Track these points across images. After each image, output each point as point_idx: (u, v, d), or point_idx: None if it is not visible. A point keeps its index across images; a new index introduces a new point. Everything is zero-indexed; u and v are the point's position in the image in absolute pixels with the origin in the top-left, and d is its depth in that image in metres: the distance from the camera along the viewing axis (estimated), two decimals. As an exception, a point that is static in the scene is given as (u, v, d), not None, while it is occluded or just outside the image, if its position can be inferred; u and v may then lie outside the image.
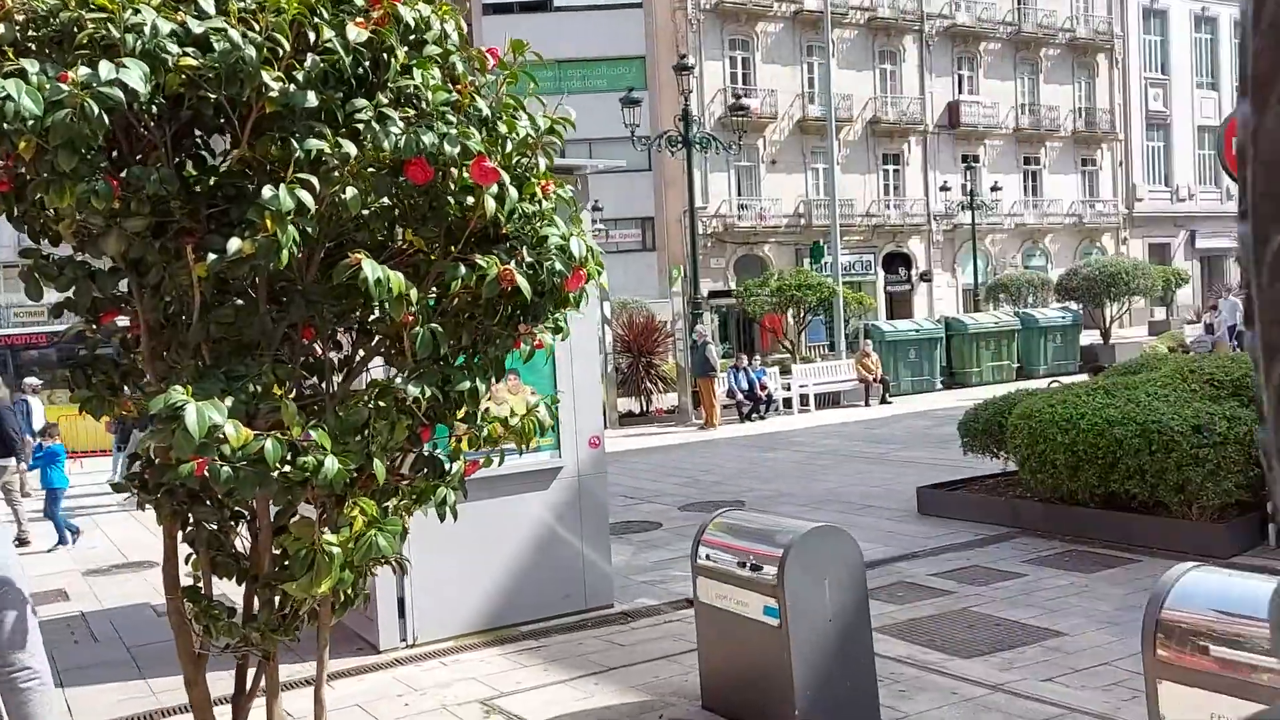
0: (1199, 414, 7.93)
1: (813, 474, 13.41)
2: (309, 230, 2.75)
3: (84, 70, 2.49)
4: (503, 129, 3.00)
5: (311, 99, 2.72)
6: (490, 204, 2.86)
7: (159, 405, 2.48)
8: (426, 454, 3.21)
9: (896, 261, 40.62)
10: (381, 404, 2.97)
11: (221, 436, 2.56)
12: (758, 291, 23.29)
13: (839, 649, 4.89)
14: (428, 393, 2.91)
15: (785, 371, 22.36)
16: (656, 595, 7.78)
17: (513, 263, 2.92)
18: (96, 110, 2.48)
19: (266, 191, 2.62)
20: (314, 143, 2.73)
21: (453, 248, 3.16)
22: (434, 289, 3.11)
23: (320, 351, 3.31)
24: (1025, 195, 43.12)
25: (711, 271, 33.69)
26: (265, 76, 2.68)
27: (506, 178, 2.91)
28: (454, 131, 2.84)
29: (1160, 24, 45.81)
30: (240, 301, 3.11)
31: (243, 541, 3.36)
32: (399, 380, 2.94)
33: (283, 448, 2.68)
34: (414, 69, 2.92)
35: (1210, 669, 3.12)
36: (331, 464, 2.73)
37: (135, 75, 2.52)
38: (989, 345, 24.43)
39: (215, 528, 3.24)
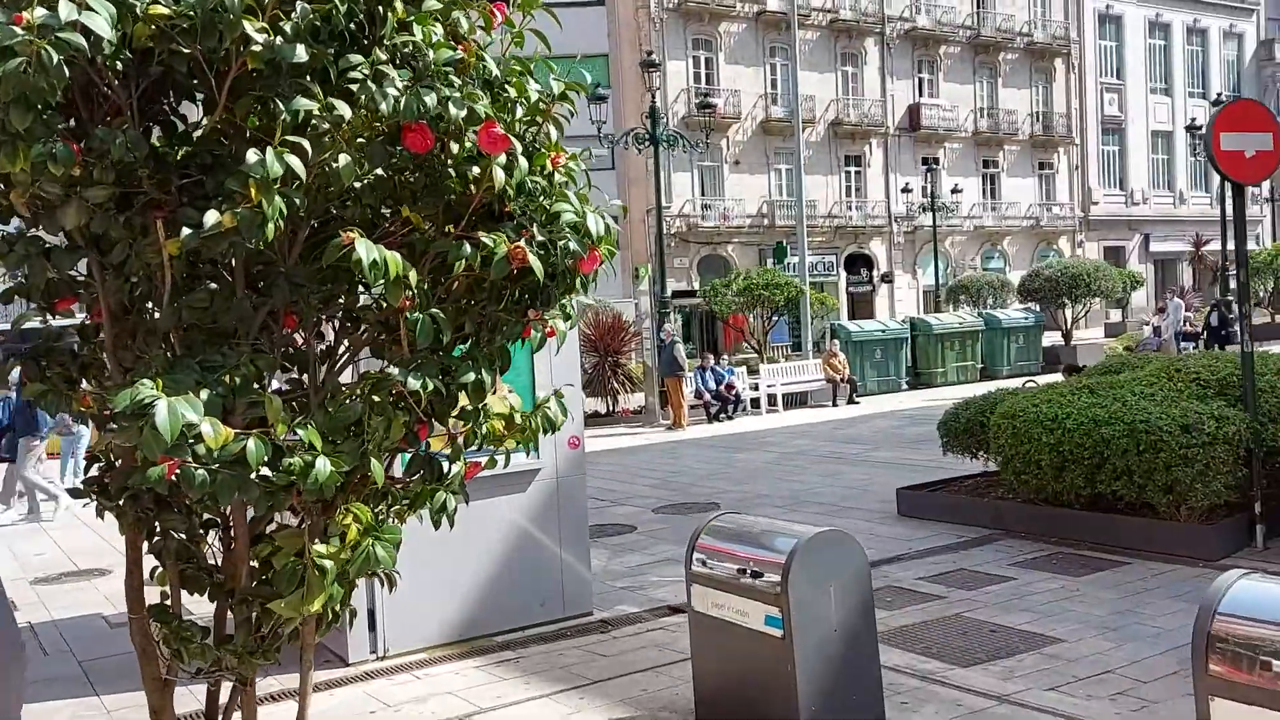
0: (1187, 413, 7.81)
1: (786, 475, 13.21)
2: (296, 202, 2.44)
3: (41, 11, 2.16)
4: (511, 93, 2.70)
5: (301, 53, 2.40)
6: (499, 175, 2.57)
7: (125, 400, 2.16)
8: (424, 454, 2.91)
9: (858, 262, 40.75)
10: (376, 399, 2.66)
11: (197, 436, 2.24)
12: (724, 291, 23.11)
13: (844, 660, 4.64)
14: (430, 386, 2.61)
15: (752, 371, 22.20)
16: (636, 602, 7.50)
17: (522, 241, 2.63)
18: (55, 59, 2.15)
19: (251, 156, 2.30)
20: (303, 102, 2.41)
21: (451, 226, 2.87)
22: (431, 272, 2.80)
23: (303, 341, 2.98)
24: (984, 198, 43.49)
25: (675, 271, 33.49)
26: (248, 27, 2.36)
27: (518, 146, 2.62)
28: (459, 94, 2.54)
29: (1115, 29, 46.44)
30: (214, 285, 2.78)
31: (215, 552, 3.03)
32: (394, 372, 2.63)
33: (267, 448, 2.37)
34: (413, 24, 2.61)
35: (1273, 686, 2.90)
36: (323, 466, 2.41)
37: (101, 20, 2.20)
38: (954, 346, 24.48)
39: (185, 537, 2.91)
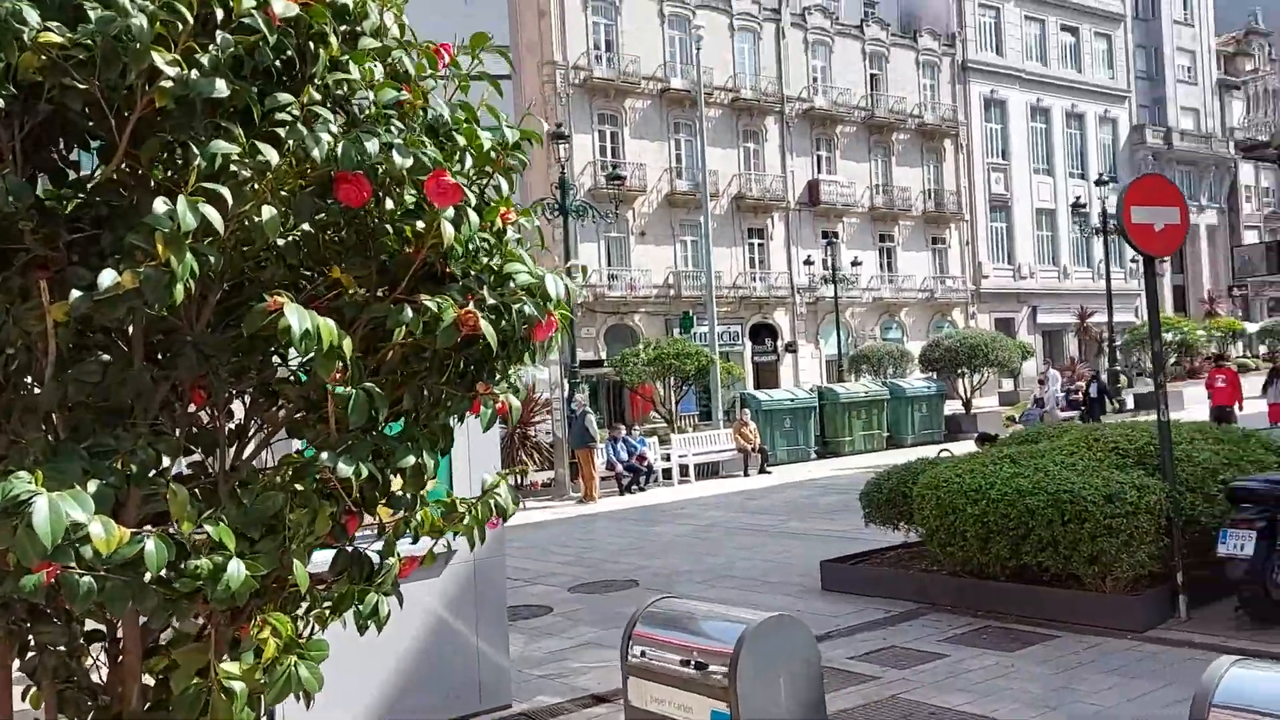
0: (1109, 483, 7.83)
1: (704, 548, 12.92)
2: (211, 261, 2.10)
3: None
4: (460, 140, 2.42)
5: (220, 88, 2.08)
6: (448, 230, 2.27)
7: None
8: (351, 549, 2.54)
9: (763, 332, 41.25)
10: (299, 487, 2.30)
11: (84, 537, 1.85)
12: (634, 360, 22.95)
13: (797, 756, 4.33)
14: (364, 471, 2.26)
15: (663, 442, 21.97)
16: (558, 691, 7.06)
17: (471, 305, 2.33)
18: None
19: (159, 205, 1.95)
20: (222, 145, 2.08)
21: (384, 289, 2.55)
22: (363, 340, 2.47)
23: (210, 420, 2.60)
24: (881, 270, 44.68)
25: (582, 341, 33.28)
26: (157, 59, 2.04)
27: (472, 198, 2.33)
28: (401, 140, 2.25)
29: (1000, 113, 48.75)
30: (107, 356, 2.39)
31: (100, 668, 2.58)
32: (323, 456, 2.27)
33: (169, 549, 1.99)
34: (349, 63, 2.32)
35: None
36: (236, 569, 2.04)
37: (-24, 45, 1.86)
38: (860, 414, 24.73)
39: (64, 651, 2.47)
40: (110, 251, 2.21)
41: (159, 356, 2.49)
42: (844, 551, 10.63)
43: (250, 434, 2.82)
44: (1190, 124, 56.08)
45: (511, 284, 2.49)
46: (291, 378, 2.71)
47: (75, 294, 2.06)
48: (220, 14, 2.21)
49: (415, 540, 2.61)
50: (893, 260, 45.15)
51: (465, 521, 2.58)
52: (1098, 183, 35.48)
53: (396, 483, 2.57)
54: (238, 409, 2.87)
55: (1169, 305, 52.47)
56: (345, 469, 2.24)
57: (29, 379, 2.39)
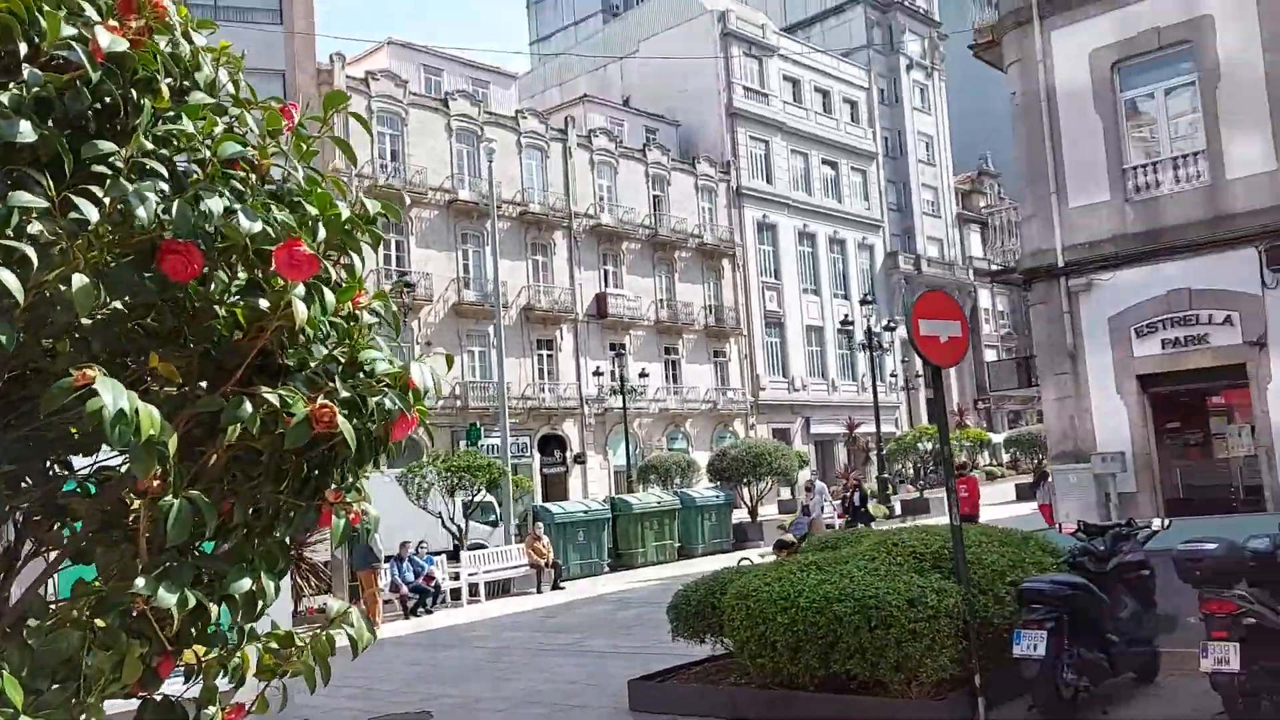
0: (910, 587, 8.01)
1: (502, 673, 12.27)
2: (2, 340, 1.67)
3: None
4: (310, 209, 2.10)
5: (25, 131, 1.70)
6: (300, 310, 1.94)
7: None
8: (159, 697, 2.06)
9: (551, 443, 41.02)
10: (100, 623, 1.84)
11: None
12: (422, 473, 22.07)
13: None
14: (190, 602, 1.84)
15: (452, 559, 21.07)
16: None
17: (320, 398, 1.98)
18: None
19: (-66, 265, 1.54)
20: (25, 198, 1.69)
21: (202, 384, 2.17)
22: (181, 441, 2.06)
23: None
24: (667, 382, 45.78)
25: (364, 454, 31.84)
26: (-63, 93, 1.64)
27: (332, 272, 2.01)
28: (247, 202, 1.92)
29: (772, 236, 51.87)
30: None
31: None
32: (139, 584, 1.82)
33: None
34: (181, 115, 1.98)
35: None
36: (23, 736, 1.57)
37: None
38: (652, 525, 24.76)
39: None
40: None
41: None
42: (649, 668, 10.35)
43: (22, 560, 2.31)
44: (936, 252, 61.69)
45: (362, 374, 2.17)
46: (79, 489, 2.25)
47: None
48: (24, 49, 1.83)
49: (238, 684, 2.16)
50: (678, 372, 46.41)
51: (304, 658, 2.17)
52: (861, 302, 38.06)
53: (213, 613, 2.14)
54: (7, 530, 2.35)
55: (924, 416, 56.53)
56: (168, 597, 1.81)
57: None
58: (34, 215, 1.72)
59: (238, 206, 1.91)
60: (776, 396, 50.10)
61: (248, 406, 1.95)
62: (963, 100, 66.62)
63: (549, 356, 41.42)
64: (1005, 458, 52.45)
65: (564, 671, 11.97)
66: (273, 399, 2.01)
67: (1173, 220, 14.94)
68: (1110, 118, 15.50)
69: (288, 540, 2.16)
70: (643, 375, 41.87)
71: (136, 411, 1.69)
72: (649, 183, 46.56)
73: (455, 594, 20.27)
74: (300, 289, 2.00)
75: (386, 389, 2.13)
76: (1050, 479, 17.17)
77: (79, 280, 1.74)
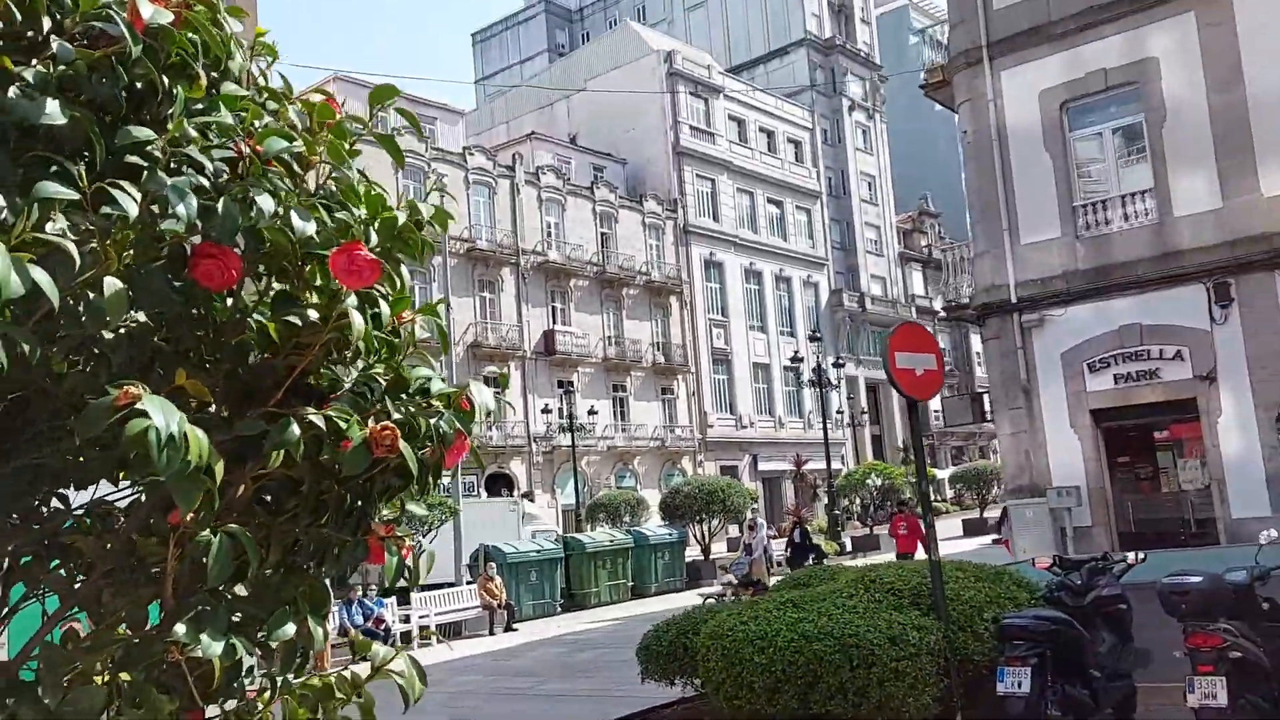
0: (891, 624, 7.87)
1: (461, 717, 11.86)
2: (25, 350, 1.44)
3: None
4: (360, 212, 1.90)
5: (55, 113, 1.49)
6: (358, 322, 1.73)
7: None
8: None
9: (499, 482, 40.44)
10: (127, 677, 1.60)
11: None
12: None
13: None
14: (237, 650, 1.60)
15: (403, 601, 20.51)
16: None
17: (372, 421, 1.77)
18: None
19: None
20: (51, 188, 1.46)
21: (225, 407, 1.95)
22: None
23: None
24: (615, 419, 45.54)
25: (308, 494, 31.09)
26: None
27: (399, 277, 1.81)
28: (294, 202, 1.71)
29: (719, 273, 52.15)
30: None
31: None
32: (179, 630, 1.58)
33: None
34: (219, 104, 1.78)
35: None
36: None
37: None
38: (605, 564, 24.41)
39: None
40: None
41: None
42: (609, 712, 10.08)
43: (10, 608, 2.04)
44: (879, 290, 62.58)
45: (405, 395, 1.96)
46: (89, 527, 2.01)
47: None
48: (47, 23, 1.62)
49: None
50: (626, 409, 46.21)
51: (340, 713, 1.93)
52: (809, 339, 38.27)
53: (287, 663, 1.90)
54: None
55: (869, 453, 56.98)
56: (213, 646, 1.57)
57: None
58: (59, 209, 1.49)
59: (290, 205, 1.70)
60: (724, 433, 50.11)
61: (295, 429, 1.73)
62: (903, 142, 68.12)
63: (496, 395, 40.95)
64: (949, 493, 52.97)
65: (525, 716, 11.60)
66: (318, 421, 1.79)
67: (1122, 257, 15.23)
68: (1060, 156, 15.81)
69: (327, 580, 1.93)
70: (591, 413, 41.60)
71: (185, 435, 1.47)
72: (596, 220, 46.61)
73: (406, 636, 19.69)
74: (353, 299, 1.80)
75: (442, 410, 1.92)
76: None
77: (112, 285, 1.52)
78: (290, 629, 1.76)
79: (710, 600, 11.11)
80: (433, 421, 1.87)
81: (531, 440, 41.55)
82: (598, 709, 10.58)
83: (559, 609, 23.18)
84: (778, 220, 56.56)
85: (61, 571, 2.05)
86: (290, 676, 1.86)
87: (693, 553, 29.13)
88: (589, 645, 16.91)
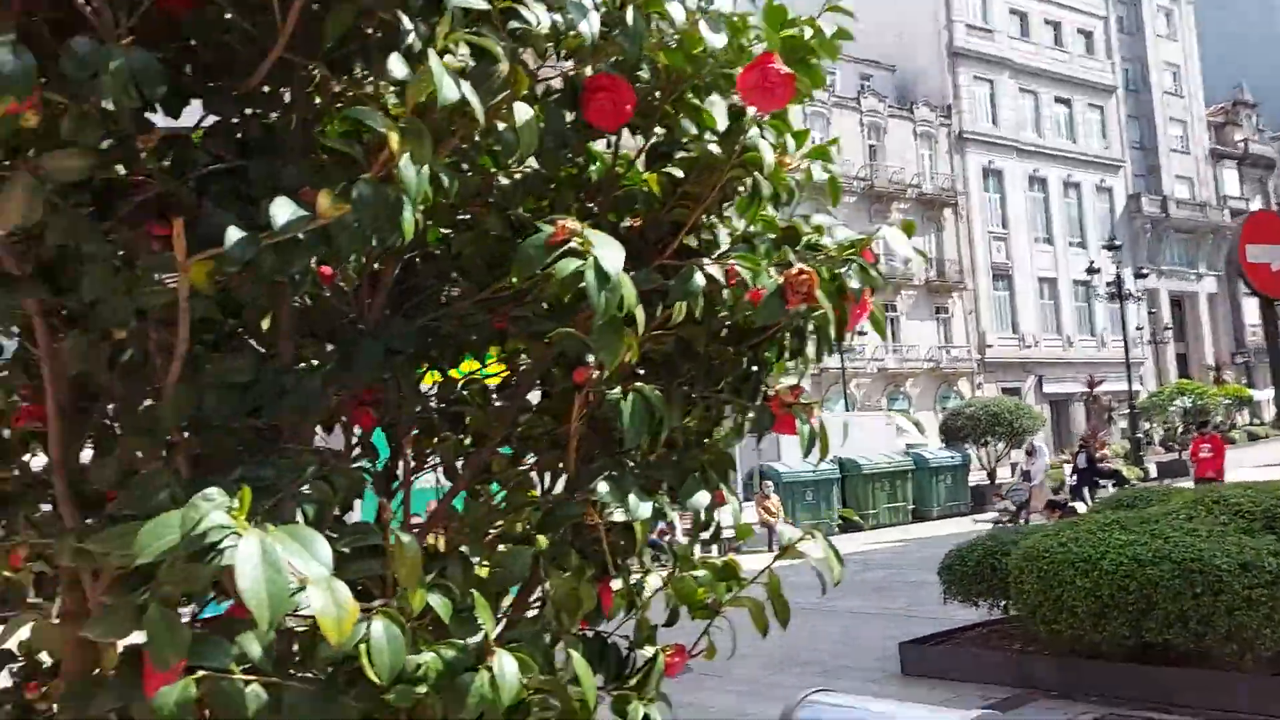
0: (1242, 548, 7.05)
1: (753, 630, 11.95)
2: (446, 183, 1.35)
3: None
4: (749, 25, 1.67)
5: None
6: (768, 153, 1.54)
7: (169, 532, 0.98)
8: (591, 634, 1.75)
9: (769, 405, 40.56)
10: (541, 539, 1.52)
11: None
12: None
13: None
14: (666, 514, 1.50)
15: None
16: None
17: (794, 267, 1.58)
18: None
19: (396, 65, 1.20)
20: None
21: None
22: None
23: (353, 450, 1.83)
24: (885, 340, 44.15)
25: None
26: None
27: (796, 108, 1.60)
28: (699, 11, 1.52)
29: (998, 182, 48.90)
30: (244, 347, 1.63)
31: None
32: (601, 488, 1.48)
33: (405, 636, 1.20)
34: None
35: None
36: (510, 672, 1.25)
37: None
38: (884, 486, 23.87)
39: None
40: (261, 188, 1.46)
41: (308, 357, 1.72)
42: (908, 630, 9.76)
43: (403, 477, 2.04)
44: (1185, 192, 56.45)
45: (800, 246, 1.75)
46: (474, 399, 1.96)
47: (234, 234, 1.29)
48: None
49: (670, 621, 1.83)
50: (897, 329, 44.71)
51: (751, 589, 1.80)
52: (1106, 247, 35.19)
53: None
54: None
55: (1173, 374, 52.12)
56: (642, 507, 1.46)
57: (141, 386, 1.61)
58: (470, 23, 1.36)
59: (699, 17, 1.50)
60: (1005, 353, 47.42)
61: (699, 278, 1.56)
62: (1213, 23, 60.43)
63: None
64: (1269, 415, 47.54)
65: (823, 632, 11.52)
66: (715, 273, 1.61)
67: None
68: None
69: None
70: (861, 334, 40.59)
71: (619, 281, 1.32)
72: (863, 131, 44.84)
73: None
74: (755, 131, 1.59)
75: (850, 260, 1.70)
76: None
77: (523, 112, 1.39)
78: (705, 496, 1.62)
79: (1004, 524, 10.46)
80: (840, 271, 1.64)
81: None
82: (894, 628, 10.32)
83: (836, 529, 22.96)
84: (1065, 120, 52.04)
85: (451, 442, 2.03)
86: (698, 550, 1.73)
87: (977, 476, 27.93)
88: (875, 565, 16.62)
